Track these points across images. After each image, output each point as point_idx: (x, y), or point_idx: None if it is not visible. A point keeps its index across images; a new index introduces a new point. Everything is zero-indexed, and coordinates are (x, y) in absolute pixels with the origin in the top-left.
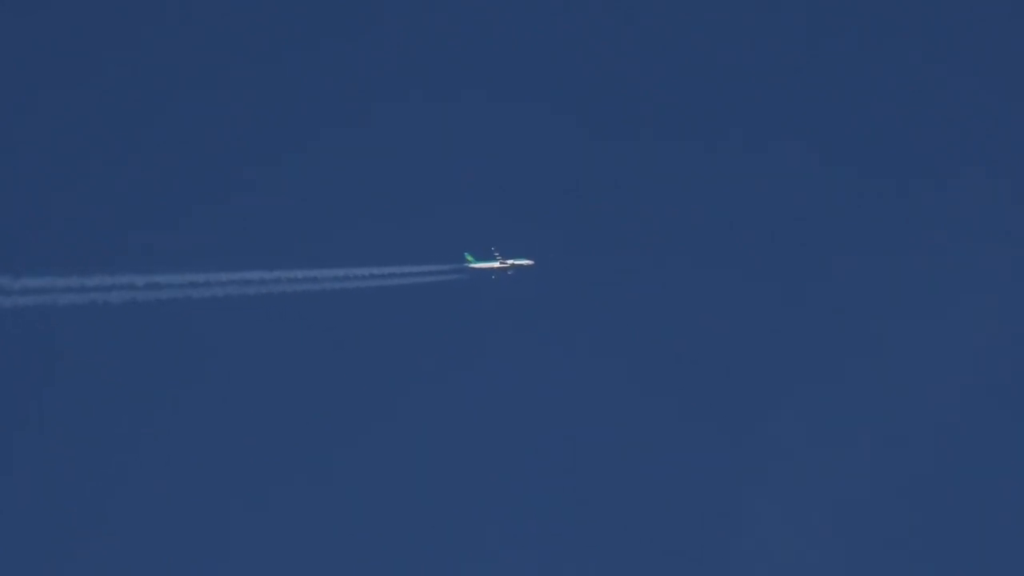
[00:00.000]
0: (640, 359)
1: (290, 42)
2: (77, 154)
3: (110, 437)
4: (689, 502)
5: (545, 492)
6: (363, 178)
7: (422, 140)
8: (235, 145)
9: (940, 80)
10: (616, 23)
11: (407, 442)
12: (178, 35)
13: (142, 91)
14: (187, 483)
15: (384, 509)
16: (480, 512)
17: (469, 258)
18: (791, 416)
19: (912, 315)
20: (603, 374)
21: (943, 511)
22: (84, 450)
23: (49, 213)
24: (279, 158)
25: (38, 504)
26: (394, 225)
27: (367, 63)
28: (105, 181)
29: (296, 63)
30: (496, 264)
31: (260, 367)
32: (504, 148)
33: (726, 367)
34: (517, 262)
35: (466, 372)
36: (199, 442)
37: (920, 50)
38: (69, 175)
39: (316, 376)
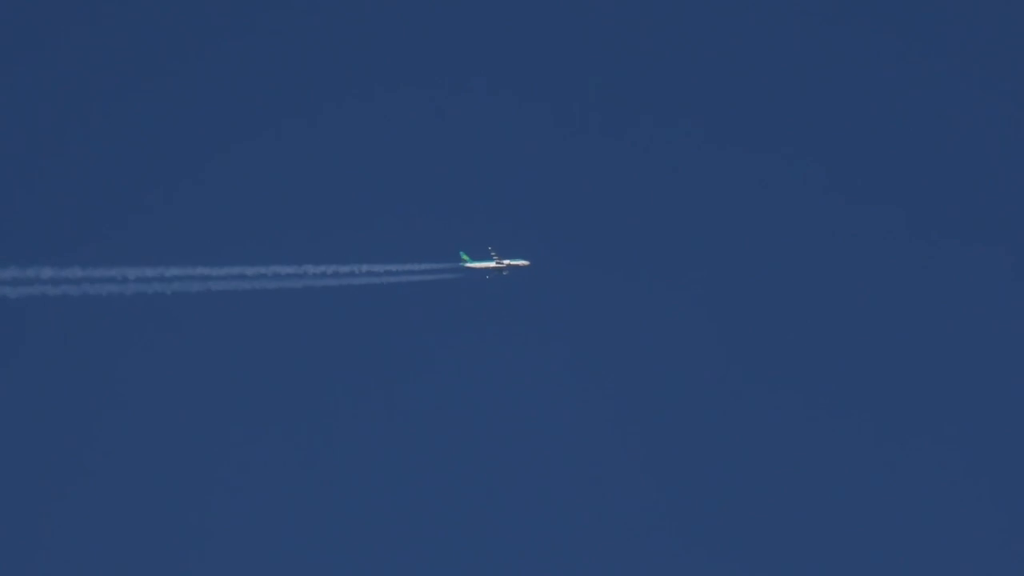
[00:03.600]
0: (628, 361)
1: (274, 36)
2: (62, 147)
3: (97, 431)
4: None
5: (527, 490)
6: (362, 174)
7: (424, 137)
8: (228, 140)
9: (948, 87)
10: (614, 25)
11: (393, 438)
12: (167, 24)
13: (128, 84)
14: (162, 479)
15: (366, 503)
16: (465, 510)
17: (465, 257)
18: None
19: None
20: (589, 375)
21: None
22: (56, 445)
23: (34, 205)
24: (275, 153)
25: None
26: (393, 223)
27: (362, 57)
28: (83, 173)
29: (284, 57)
30: (492, 264)
31: (250, 362)
32: (506, 148)
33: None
34: (513, 262)
35: (454, 371)
36: (176, 436)
37: (932, 56)
38: (56, 166)
39: (306, 372)
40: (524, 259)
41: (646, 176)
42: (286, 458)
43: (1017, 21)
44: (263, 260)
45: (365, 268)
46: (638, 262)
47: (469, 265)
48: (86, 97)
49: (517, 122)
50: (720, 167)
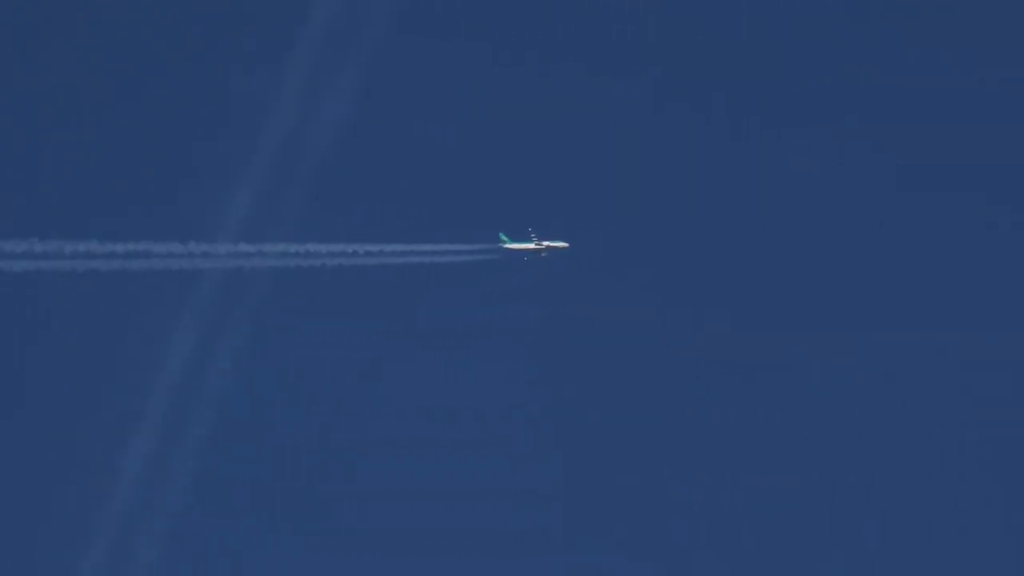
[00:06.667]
0: (669, 342)
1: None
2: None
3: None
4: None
5: (555, 479)
6: (400, 152)
7: (465, 115)
8: (262, 114)
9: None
10: None
11: (425, 422)
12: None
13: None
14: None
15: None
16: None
17: (504, 238)
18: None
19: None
20: (630, 358)
21: None
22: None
23: (59, 178)
24: (310, 129)
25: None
26: (432, 202)
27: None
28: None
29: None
30: (531, 245)
31: (283, 340)
32: (549, 126)
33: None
34: (552, 244)
35: (486, 354)
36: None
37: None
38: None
39: (338, 351)
40: (563, 241)
41: (696, 158)
42: (321, 434)
43: None
44: (296, 238)
45: (401, 247)
46: (682, 246)
47: (508, 246)
48: (104, 74)
49: (563, 101)
50: (768, 147)
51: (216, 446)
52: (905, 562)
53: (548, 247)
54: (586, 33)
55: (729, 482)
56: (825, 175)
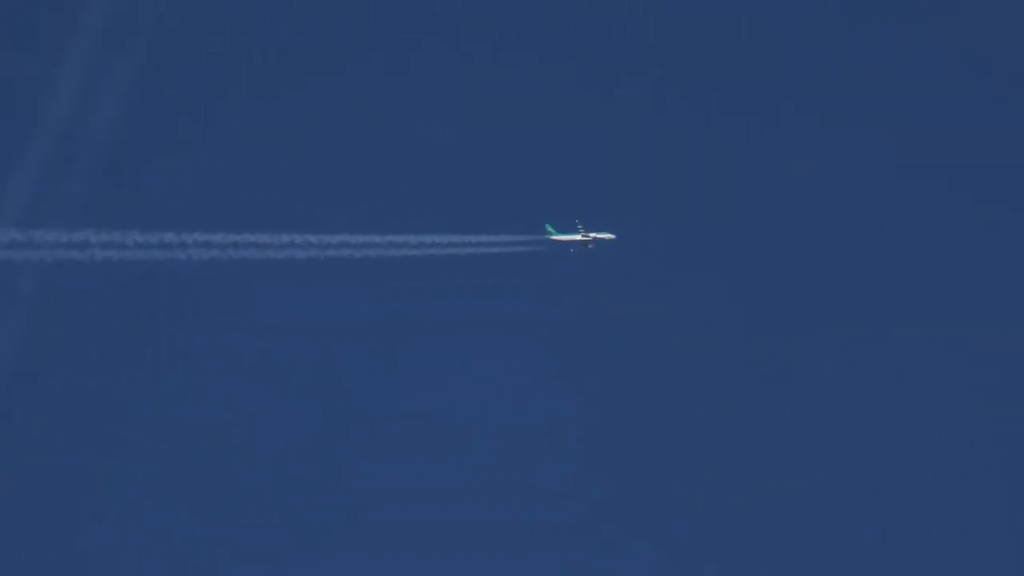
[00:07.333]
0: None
1: None
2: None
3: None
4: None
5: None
6: (451, 142)
7: (511, 105)
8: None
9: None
10: None
11: (468, 415)
12: None
13: None
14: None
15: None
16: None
17: (550, 229)
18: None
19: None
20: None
21: None
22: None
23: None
24: (351, 124)
25: None
26: (479, 193)
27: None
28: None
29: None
30: (578, 237)
31: (326, 331)
32: (596, 117)
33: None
34: (599, 235)
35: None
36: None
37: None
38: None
39: (384, 343)
40: (610, 232)
41: (696, 157)
42: (359, 432)
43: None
44: (343, 229)
45: (448, 239)
46: (690, 244)
47: (554, 238)
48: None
49: (563, 101)
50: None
51: None
52: (913, 559)
53: (595, 239)
54: (586, 33)
55: (773, 478)
56: (825, 174)
